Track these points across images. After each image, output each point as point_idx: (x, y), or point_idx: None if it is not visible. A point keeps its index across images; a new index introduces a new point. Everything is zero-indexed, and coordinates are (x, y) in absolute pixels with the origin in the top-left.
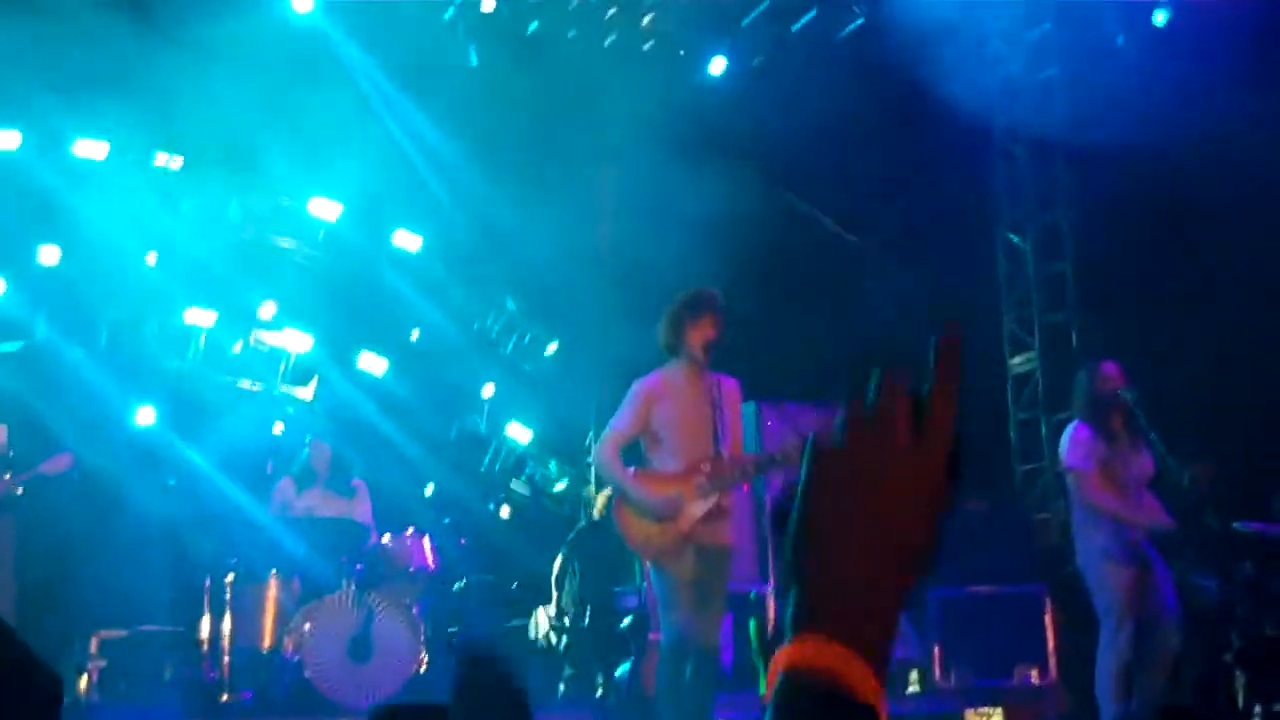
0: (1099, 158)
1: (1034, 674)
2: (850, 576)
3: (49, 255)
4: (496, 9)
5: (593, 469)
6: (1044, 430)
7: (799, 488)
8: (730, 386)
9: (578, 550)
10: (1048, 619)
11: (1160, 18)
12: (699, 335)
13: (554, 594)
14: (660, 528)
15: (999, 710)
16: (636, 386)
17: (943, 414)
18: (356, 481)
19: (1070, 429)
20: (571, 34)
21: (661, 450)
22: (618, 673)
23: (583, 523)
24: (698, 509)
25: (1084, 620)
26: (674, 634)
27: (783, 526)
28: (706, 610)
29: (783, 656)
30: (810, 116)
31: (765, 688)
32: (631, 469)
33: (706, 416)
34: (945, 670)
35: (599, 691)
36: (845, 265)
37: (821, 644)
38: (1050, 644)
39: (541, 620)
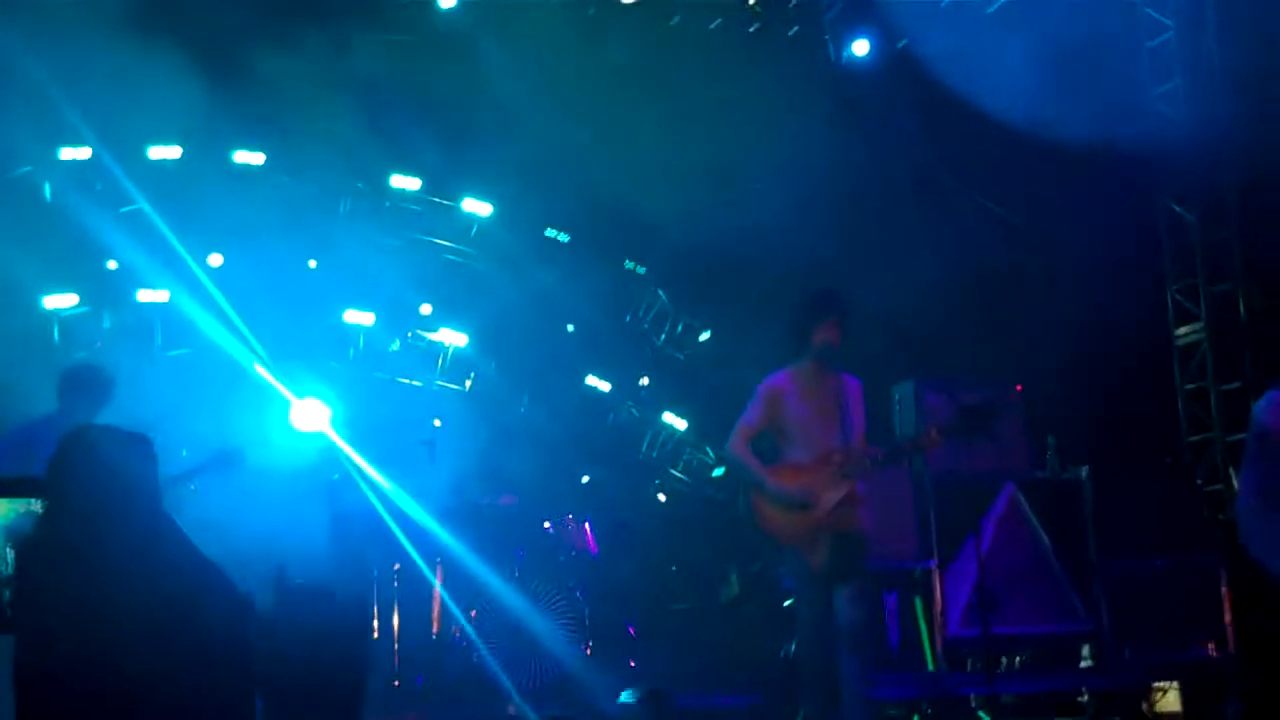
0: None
1: (1211, 647)
2: None
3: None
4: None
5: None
6: (1213, 400)
7: None
8: (854, 385)
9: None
10: (1224, 591)
11: None
12: (823, 337)
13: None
14: (795, 517)
15: (1174, 684)
16: (762, 386)
17: None
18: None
19: (1271, 393)
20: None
21: (790, 445)
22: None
23: None
24: (831, 497)
25: (1261, 593)
26: (814, 615)
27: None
28: (845, 589)
29: None
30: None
31: (933, 664)
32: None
33: (831, 413)
34: (1118, 644)
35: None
36: (1010, 248)
37: None
38: (1227, 617)
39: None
